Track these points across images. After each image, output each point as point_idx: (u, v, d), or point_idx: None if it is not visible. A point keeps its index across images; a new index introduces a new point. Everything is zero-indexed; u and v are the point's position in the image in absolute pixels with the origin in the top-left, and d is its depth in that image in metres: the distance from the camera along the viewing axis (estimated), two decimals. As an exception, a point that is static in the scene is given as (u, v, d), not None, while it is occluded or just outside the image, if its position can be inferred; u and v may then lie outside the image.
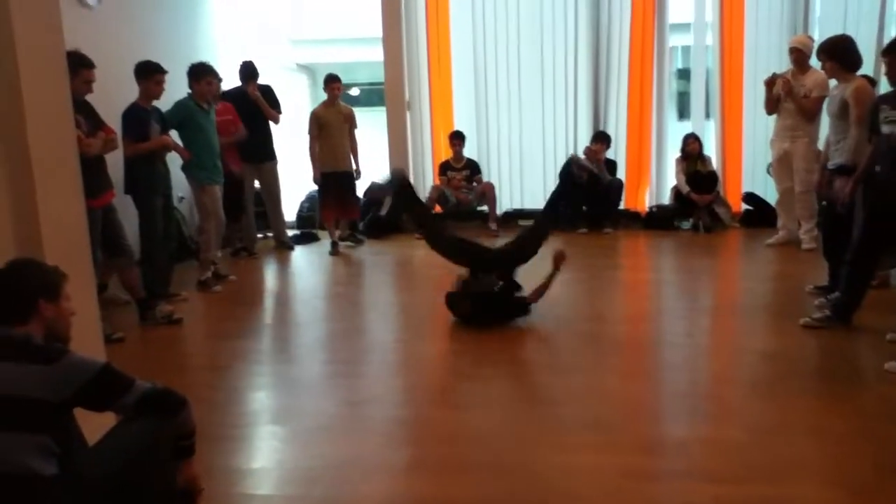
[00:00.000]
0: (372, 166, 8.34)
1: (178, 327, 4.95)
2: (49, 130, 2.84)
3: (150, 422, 2.09)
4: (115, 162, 4.99)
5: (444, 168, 8.22)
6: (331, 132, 7.22)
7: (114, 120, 4.94)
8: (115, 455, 2.05)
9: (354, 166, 7.39)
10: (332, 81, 7.31)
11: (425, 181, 8.54)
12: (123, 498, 2.07)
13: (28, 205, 2.76)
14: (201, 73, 5.69)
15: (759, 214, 7.67)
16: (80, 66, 4.29)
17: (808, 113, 6.21)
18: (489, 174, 8.38)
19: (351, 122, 7.34)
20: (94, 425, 2.21)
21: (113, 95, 5.05)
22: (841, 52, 4.84)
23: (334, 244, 7.29)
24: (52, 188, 2.84)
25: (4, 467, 1.87)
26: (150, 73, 5.15)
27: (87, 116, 4.48)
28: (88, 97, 4.57)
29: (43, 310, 2.08)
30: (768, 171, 7.17)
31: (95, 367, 2.03)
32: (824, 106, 5.33)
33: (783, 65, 6.91)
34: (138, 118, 5.11)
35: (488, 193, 8.03)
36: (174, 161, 5.54)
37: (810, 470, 2.80)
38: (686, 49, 10.31)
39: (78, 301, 2.33)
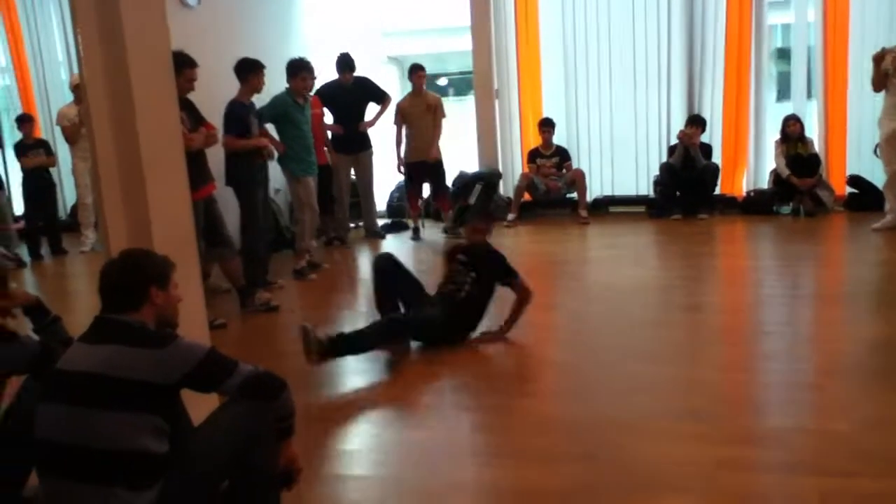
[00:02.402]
0: (462, 155, 8.40)
1: (275, 314, 5.12)
2: (157, 127, 2.97)
3: (253, 403, 2.17)
4: (215, 155, 5.19)
5: (534, 156, 8.18)
6: (415, 122, 7.31)
7: (212, 115, 5.14)
8: (220, 435, 2.14)
9: (434, 150, 7.42)
10: (416, 71, 7.38)
11: (514, 169, 8.52)
12: (228, 475, 2.17)
13: (139, 198, 2.91)
14: (297, 69, 5.84)
15: (864, 198, 7.30)
16: (184, 65, 4.46)
17: None
18: (579, 161, 8.28)
19: (437, 111, 7.40)
20: (200, 407, 2.33)
21: (213, 92, 5.24)
22: None
23: (416, 230, 7.47)
24: (161, 181, 2.98)
25: (121, 446, 1.98)
26: (254, 69, 5.32)
27: (189, 113, 4.67)
28: (189, 95, 4.77)
29: (154, 297, 2.19)
30: (875, 153, 6.82)
31: (202, 351, 2.13)
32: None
33: (893, 39, 6.54)
34: (239, 114, 5.29)
35: (578, 181, 7.94)
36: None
37: (921, 464, 2.67)
38: (786, 27, 9.89)
39: (184, 289, 2.44)
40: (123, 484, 1.97)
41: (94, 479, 1.97)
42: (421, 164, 7.37)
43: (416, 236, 7.42)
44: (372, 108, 7.41)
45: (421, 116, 7.32)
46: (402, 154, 7.47)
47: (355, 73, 7.21)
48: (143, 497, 1.99)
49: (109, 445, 1.97)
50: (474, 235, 4.50)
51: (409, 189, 7.67)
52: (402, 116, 7.36)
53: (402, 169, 7.54)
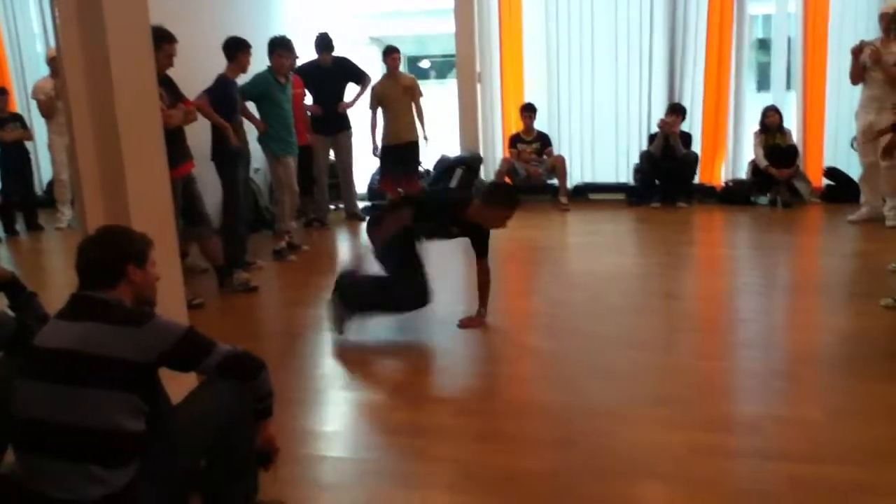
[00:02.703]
0: (443, 138, 8.37)
1: (254, 294, 5.10)
2: (135, 103, 2.94)
3: (231, 384, 2.17)
4: (197, 133, 5.14)
5: (515, 141, 8.18)
6: (391, 105, 7.27)
7: (191, 92, 5.08)
8: (198, 415, 2.14)
9: (422, 134, 7.43)
10: (390, 53, 7.35)
11: (495, 154, 8.51)
12: (206, 454, 2.17)
13: (116, 175, 2.88)
14: (273, 47, 5.80)
15: (841, 190, 7.39)
16: (163, 40, 4.40)
17: None
18: (560, 147, 8.29)
19: (413, 93, 7.36)
20: (178, 386, 2.32)
21: (192, 69, 5.18)
22: None
23: None
24: (139, 159, 2.95)
25: (97, 423, 1.97)
26: (243, 48, 5.37)
27: (168, 89, 4.62)
28: (168, 71, 4.70)
29: (131, 275, 2.17)
30: (852, 145, 6.89)
31: (180, 330, 2.12)
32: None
33: (871, 33, 6.60)
34: (226, 89, 5.33)
35: (559, 167, 7.96)
36: (251, 133, 5.68)
37: (888, 453, 2.72)
38: (767, 18, 9.93)
39: (162, 267, 2.41)
40: (100, 461, 1.96)
41: (71, 455, 1.96)
42: (397, 147, 7.33)
43: None
44: (351, 89, 7.36)
45: (397, 99, 7.28)
46: (379, 138, 7.42)
47: (334, 54, 7.16)
48: (120, 475, 1.98)
49: (86, 423, 1.96)
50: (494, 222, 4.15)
51: (383, 173, 7.62)
52: (377, 100, 7.31)
53: (378, 153, 7.48)
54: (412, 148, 7.43)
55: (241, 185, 5.41)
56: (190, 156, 4.89)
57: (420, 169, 7.77)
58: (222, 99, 5.27)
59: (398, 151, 7.36)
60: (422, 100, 7.44)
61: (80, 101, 2.84)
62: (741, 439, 2.89)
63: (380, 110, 7.38)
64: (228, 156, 5.30)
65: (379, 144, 7.43)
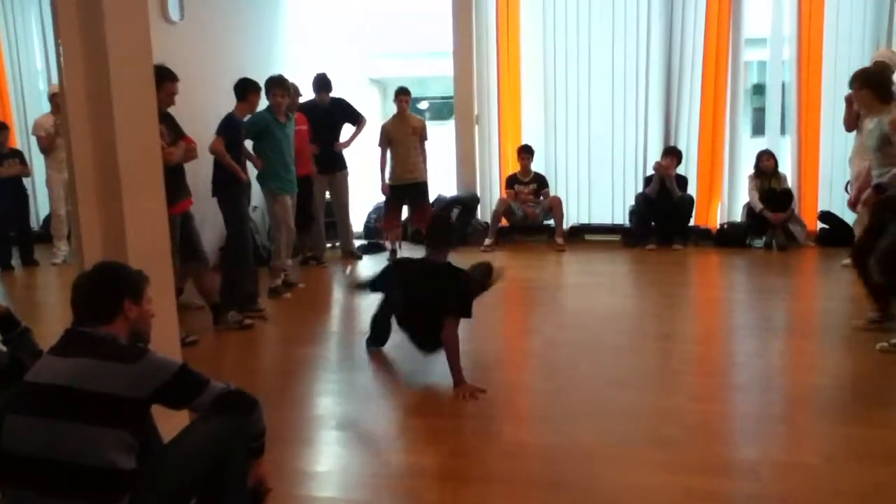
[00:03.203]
0: (441, 179, 8.42)
1: (249, 332, 5.08)
2: (136, 140, 2.96)
3: (224, 421, 2.16)
4: (197, 169, 5.17)
5: (512, 181, 8.23)
6: (399, 145, 7.33)
7: (192, 129, 5.12)
8: (190, 452, 2.12)
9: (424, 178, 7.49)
10: (400, 94, 7.42)
11: (492, 194, 8.56)
12: (197, 493, 2.14)
13: (115, 210, 2.89)
14: (269, 87, 5.84)
15: (835, 233, 7.43)
16: (165, 79, 4.45)
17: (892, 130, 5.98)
18: (556, 188, 8.35)
19: (421, 134, 7.44)
20: (170, 423, 2.30)
21: (193, 107, 5.24)
22: (877, 82, 4.66)
23: (393, 252, 7.48)
24: (138, 195, 2.96)
25: (88, 460, 1.95)
26: (256, 89, 5.54)
27: (169, 127, 4.66)
28: (170, 109, 4.75)
29: (127, 311, 2.17)
30: (846, 189, 6.93)
31: (174, 366, 2.11)
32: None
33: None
34: (235, 125, 5.42)
35: (555, 208, 8.00)
36: (249, 171, 5.71)
37: (888, 499, 2.70)
38: (762, 64, 10.09)
39: (158, 304, 2.42)
40: (89, 498, 1.94)
41: (60, 492, 1.94)
42: (404, 187, 7.38)
43: (393, 258, 7.39)
44: (347, 130, 7.43)
45: (405, 139, 7.35)
46: (387, 176, 7.47)
47: (332, 94, 7.24)
48: (109, 513, 1.96)
49: (76, 459, 1.94)
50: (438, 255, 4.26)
51: (388, 211, 7.65)
52: (386, 139, 7.38)
53: (385, 191, 7.52)
54: (418, 187, 7.47)
55: (247, 218, 5.48)
56: (189, 192, 4.92)
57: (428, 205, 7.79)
58: (230, 131, 5.35)
59: (404, 191, 7.41)
60: (426, 143, 7.51)
61: (81, 137, 2.87)
62: (738, 483, 2.87)
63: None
64: (231, 189, 5.33)
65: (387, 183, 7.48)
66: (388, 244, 7.76)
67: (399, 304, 4.29)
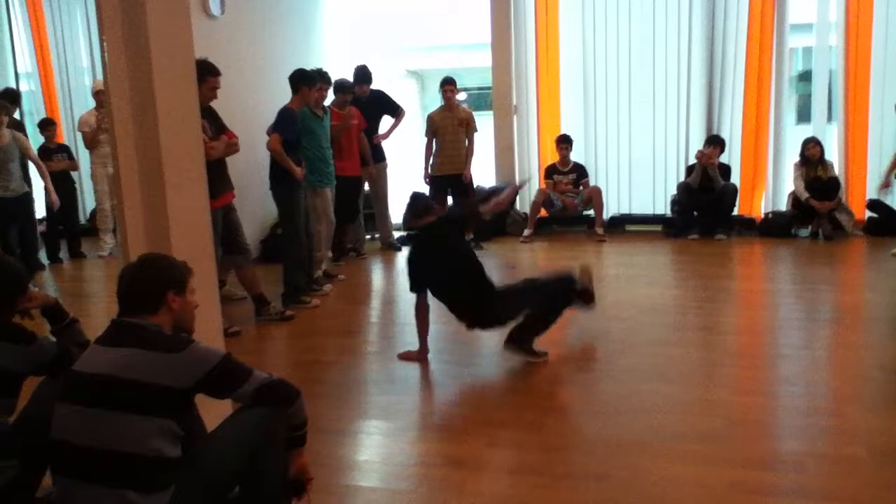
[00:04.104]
0: (479, 169, 8.39)
1: (290, 323, 5.13)
2: (178, 135, 3.00)
3: (266, 411, 2.18)
4: (236, 164, 5.23)
5: (551, 172, 8.18)
6: (445, 136, 7.33)
7: (234, 124, 5.18)
8: (233, 441, 2.15)
9: (465, 169, 7.45)
10: (446, 84, 7.41)
11: (531, 185, 8.52)
12: (239, 482, 2.17)
13: (158, 204, 2.94)
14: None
15: (884, 222, 7.25)
16: (207, 73, 4.51)
17: None
18: (596, 178, 8.28)
19: (468, 126, 7.42)
20: (213, 413, 2.33)
21: (235, 101, 5.29)
22: None
23: None
24: (180, 189, 3.00)
25: (134, 448, 1.99)
26: (311, 82, 5.52)
27: (211, 121, 4.72)
28: (212, 103, 4.80)
29: (171, 302, 2.20)
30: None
31: (217, 356, 2.14)
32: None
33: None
34: (292, 118, 5.43)
35: (595, 198, 7.93)
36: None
37: (939, 494, 2.63)
38: (807, 50, 9.87)
39: (200, 295, 2.45)
40: (135, 486, 1.98)
41: (107, 480, 1.98)
42: (447, 178, 7.38)
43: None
44: (386, 121, 7.45)
45: (452, 130, 7.35)
46: (430, 166, 7.46)
47: (371, 87, 7.25)
48: (155, 500, 2.00)
49: (123, 448, 1.98)
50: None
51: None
52: (432, 129, 7.39)
53: (428, 181, 7.52)
54: (462, 179, 7.45)
55: (302, 209, 5.49)
56: (231, 186, 4.98)
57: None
58: (287, 126, 5.37)
59: (447, 181, 7.40)
60: (475, 135, 7.48)
61: (124, 133, 2.91)
62: (783, 477, 2.81)
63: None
64: (287, 180, 5.37)
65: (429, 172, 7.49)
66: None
67: (434, 283, 4.26)
